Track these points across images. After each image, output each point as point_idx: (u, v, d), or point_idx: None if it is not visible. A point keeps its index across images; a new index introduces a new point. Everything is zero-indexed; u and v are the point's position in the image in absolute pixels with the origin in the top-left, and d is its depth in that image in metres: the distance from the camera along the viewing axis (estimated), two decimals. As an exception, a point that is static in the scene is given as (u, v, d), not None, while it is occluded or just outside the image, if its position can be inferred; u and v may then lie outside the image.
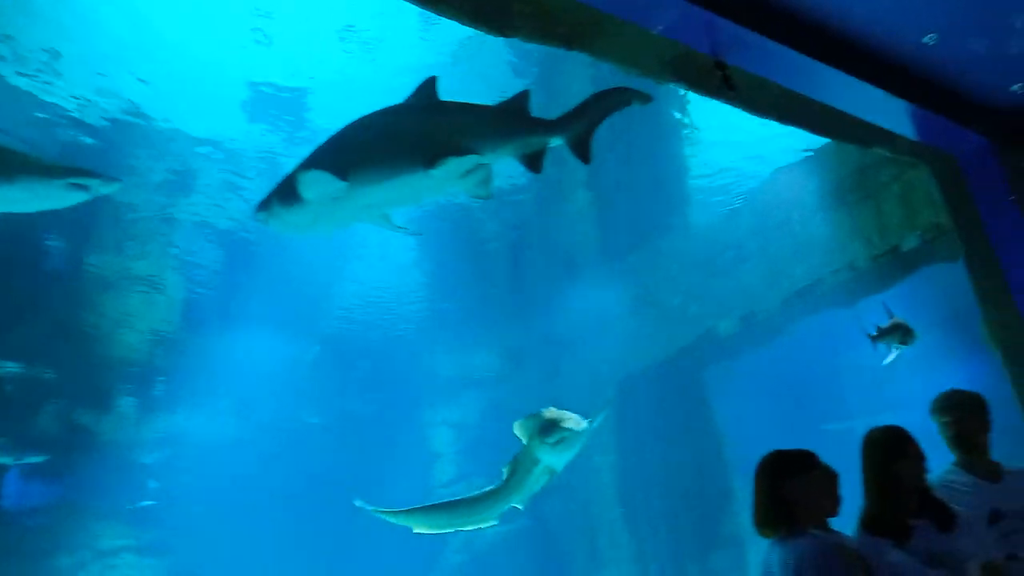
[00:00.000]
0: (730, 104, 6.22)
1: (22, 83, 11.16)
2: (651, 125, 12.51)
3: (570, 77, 12.29)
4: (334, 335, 17.77)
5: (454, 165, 6.34)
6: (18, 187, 6.84)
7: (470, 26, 5.09)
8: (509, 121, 6.85)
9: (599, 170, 13.25)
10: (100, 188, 7.13)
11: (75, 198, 7.15)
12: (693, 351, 12.67)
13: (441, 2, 4.80)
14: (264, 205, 6.86)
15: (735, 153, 12.70)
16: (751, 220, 11.53)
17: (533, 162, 6.83)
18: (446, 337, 17.78)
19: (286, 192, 6.66)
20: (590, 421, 8.20)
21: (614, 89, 7.18)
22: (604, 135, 12.89)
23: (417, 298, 17.17)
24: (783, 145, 11.16)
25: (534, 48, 12.15)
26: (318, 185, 6.39)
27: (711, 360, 13.13)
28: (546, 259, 15.19)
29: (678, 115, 12.46)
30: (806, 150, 10.68)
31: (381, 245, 15.05)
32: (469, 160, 6.40)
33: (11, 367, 14.34)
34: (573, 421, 8.18)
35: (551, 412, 8.54)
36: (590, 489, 14.19)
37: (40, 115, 11.59)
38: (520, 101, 6.91)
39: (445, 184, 6.68)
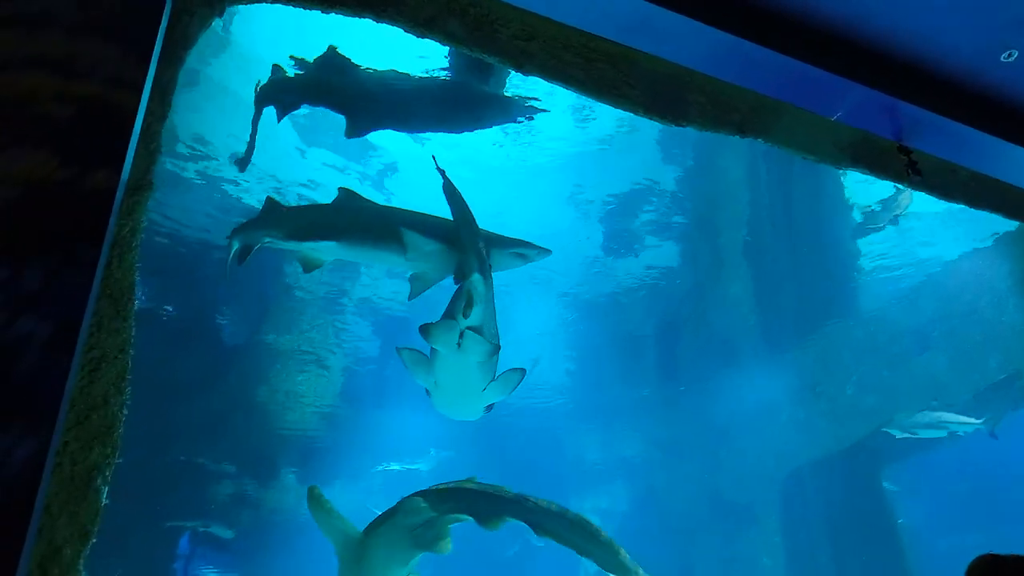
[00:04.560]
0: (914, 189, 5.95)
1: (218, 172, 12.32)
2: (816, 207, 12.12)
3: (725, 160, 12.19)
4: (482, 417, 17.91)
5: None
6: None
7: (645, 117, 5.17)
8: None
9: (761, 254, 12.89)
10: (534, 256, 8.35)
11: (517, 263, 8.40)
12: (869, 446, 11.75)
13: (621, 96, 4.92)
14: None
15: (909, 235, 12.05)
16: (933, 306, 10.73)
17: None
18: (594, 423, 17.55)
19: None
20: None
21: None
22: (764, 216, 12.71)
23: (565, 384, 17.12)
24: (964, 227, 10.45)
25: (686, 136, 12.23)
26: None
27: (890, 456, 12.14)
28: (703, 347, 14.77)
29: (845, 196, 12.04)
30: (993, 233, 9.93)
31: (530, 332, 15.20)
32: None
33: (190, 436, 15.35)
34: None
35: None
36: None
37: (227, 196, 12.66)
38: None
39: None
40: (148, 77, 3.05)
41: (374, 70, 9.20)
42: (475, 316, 7.10)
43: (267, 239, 8.44)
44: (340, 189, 8.80)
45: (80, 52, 2.94)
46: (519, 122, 10.27)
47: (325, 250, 8.32)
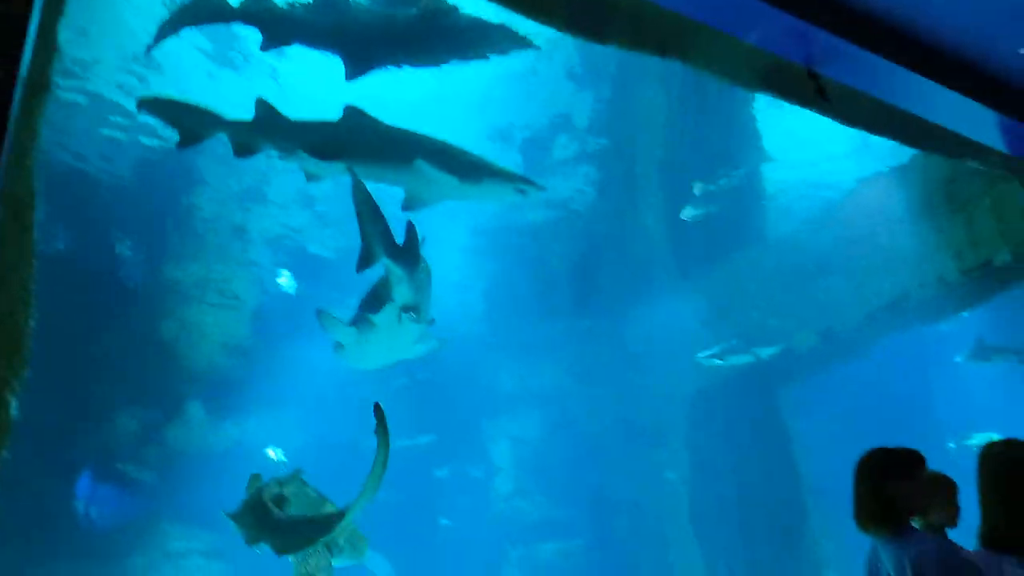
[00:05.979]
0: (822, 114, 6.14)
1: (107, 91, 11.68)
2: (726, 133, 12.39)
3: (643, 91, 12.29)
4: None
5: None
6: (484, 186, 8.52)
7: (564, 32, 5.13)
8: None
9: (673, 181, 13.16)
10: (533, 192, 8.79)
11: (516, 197, 8.90)
12: (769, 366, 12.39)
13: (536, 9, 4.84)
14: None
15: (814, 162, 12.48)
16: (834, 232, 11.22)
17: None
18: (509, 351, 17.74)
19: None
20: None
21: None
22: (679, 146, 12.93)
23: (479, 312, 17.19)
24: (865, 155, 10.91)
25: (603, 65, 12.22)
26: None
27: (788, 376, 12.84)
28: (616, 273, 15.04)
29: (755, 123, 12.36)
30: (892, 160, 10.40)
31: (444, 260, 15.16)
32: None
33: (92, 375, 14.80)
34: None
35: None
36: (662, 505, 13.99)
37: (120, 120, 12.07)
38: None
39: None
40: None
41: (367, 8, 9.07)
42: (409, 296, 7.78)
43: (272, 149, 8.50)
44: (346, 107, 8.71)
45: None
46: (503, 54, 10.09)
47: (333, 169, 8.56)
